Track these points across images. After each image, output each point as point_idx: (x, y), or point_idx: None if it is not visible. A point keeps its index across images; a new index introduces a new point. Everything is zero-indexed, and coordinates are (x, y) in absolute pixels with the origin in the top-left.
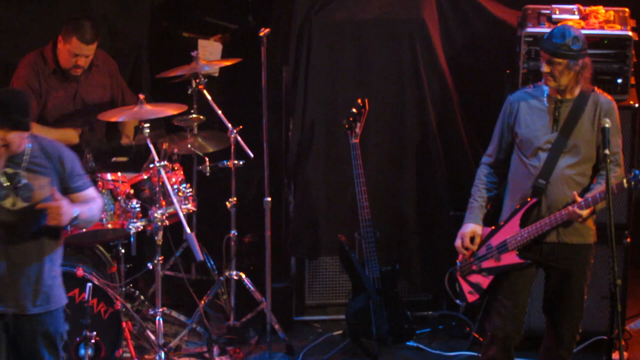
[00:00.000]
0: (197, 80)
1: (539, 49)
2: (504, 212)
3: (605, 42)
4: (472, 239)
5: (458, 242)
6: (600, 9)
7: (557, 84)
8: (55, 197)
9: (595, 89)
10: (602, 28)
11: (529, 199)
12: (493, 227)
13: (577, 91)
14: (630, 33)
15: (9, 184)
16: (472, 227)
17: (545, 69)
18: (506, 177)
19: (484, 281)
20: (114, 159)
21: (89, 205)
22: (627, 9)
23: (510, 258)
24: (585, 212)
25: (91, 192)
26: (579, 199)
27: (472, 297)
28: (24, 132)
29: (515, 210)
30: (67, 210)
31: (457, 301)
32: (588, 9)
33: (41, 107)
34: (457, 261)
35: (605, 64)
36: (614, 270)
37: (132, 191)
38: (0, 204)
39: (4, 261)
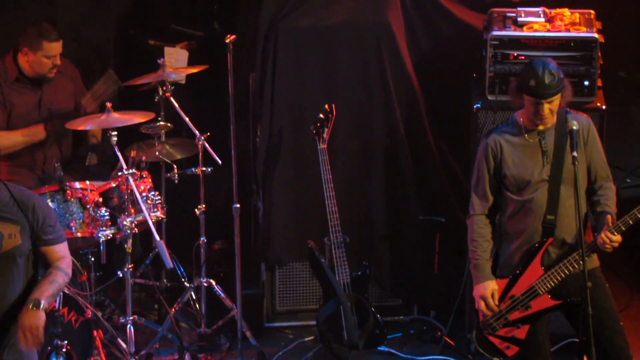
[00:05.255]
0: (164, 88)
1: (524, 95)
2: (507, 258)
3: (572, 44)
4: (491, 296)
5: (481, 305)
6: (566, 12)
7: (552, 118)
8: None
9: (568, 109)
10: (568, 30)
11: (545, 239)
12: (507, 279)
13: (555, 117)
14: (596, 35)
15: None
16: (489, 285)
17: (544, 112)
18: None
19: (519, 332)
20: (87, 162)
21: (53, 287)
22: (592, 11)
23: (543, 302)
24: (618, 237)
25: (61, 249)
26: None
27: (511, 352)
28: None
29: (531, 253)
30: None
31: (494, 359)
32: (553, 11)
33: (6, 117)
34: (480, 320)
35: (572, 66)
36: (584, 274)
37: (100, 199)
38: None
39: None
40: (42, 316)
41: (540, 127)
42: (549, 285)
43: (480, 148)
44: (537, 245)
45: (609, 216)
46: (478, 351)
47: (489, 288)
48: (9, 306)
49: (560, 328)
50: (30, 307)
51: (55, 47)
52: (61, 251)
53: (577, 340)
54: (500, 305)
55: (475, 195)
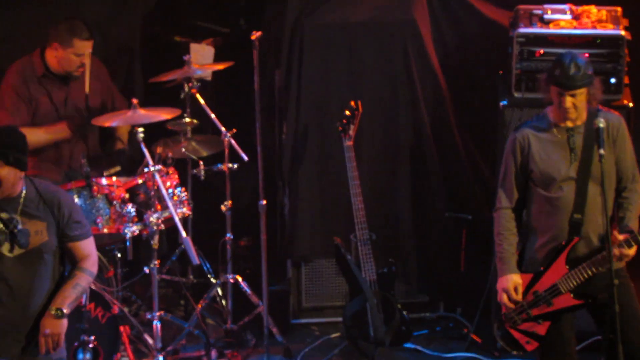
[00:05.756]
0: (190, 85)
1: (551, 85)
2: (532, 254)
3: (598, 41)
4: (515, 289)
5: (503, 297)
6: (593, 9)
7: (578, 115)
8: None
9: (600, 107)
10: (594, 27)
11: (572, 238)
12: (532, 275)
13: (585, 115)
14: (622, 32)
15: (5, 229)
16: (512, 279)
17: (567, 104)
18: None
19: (540, 328)
20: (105, 172)
21: (76, 291)
22: (619, 8)
23: (565, 301)
24: (631, 251)
25: (87, 245)
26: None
27: (531, 347)
28: (18, 170)
29: (557, 251)
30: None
31: (514, 352)
32: (580, 8)
33: (32, 114)
34: (502, 313)
35: (599, 63)
36: (611, 271)
37: (127, 195)
38: None
39: (3, 308)
40: (64, 324)
41: (570, 124)
42: (571, 284)
43: (509, 142)
44: (563, 243)
45: (615, 233)
46: (504, 349)
47: (512, 281)
48: (37, 302)
49: (586, 326)
50: (53, 314)
51: (85, 46)
52: (87, 248)
53: (601, 338)
54: (523, 299)
55: (502, 190)
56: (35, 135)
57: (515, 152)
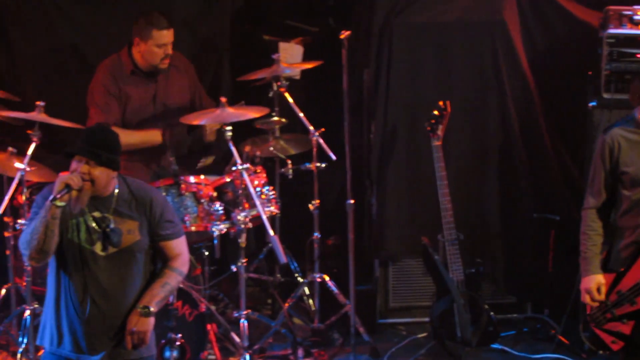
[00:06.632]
0: (279, 83)
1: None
2: (617, 254)
3: None
4: (598, 289)
5: (586, 298)
6: None
7: None
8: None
9: None
10: None
11: None
12: (615, 274)
13: None
14: None
15: (97, 228)
16: (596, 279)
17: None
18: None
19: (624, 328)
20: (200, 162)
21: (165, 290)
22: None
23: None
24: None
25: (178, 245)
26: None
27: (616, 346)
28: (110, 170)
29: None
30: (148, 335)
31: (600, 352)
32: None
33: (122, 111)
34: (587, 314)
35: None
36: None
37: (215, 194)
38: (90, 249)
39: (95, 306)
40: (150, 322)
41: None
42: None
43: (598, 144)
44: None
45: None
46: (592, 350)
47: (595, 281)
48: (129, 300)
49: None
50: (140, 312)
51: (165, 36)
52: (178, 247)
53: None
54: (607, 299)
55: (590, 190)
56: (129, 138)
57: (604, 154)
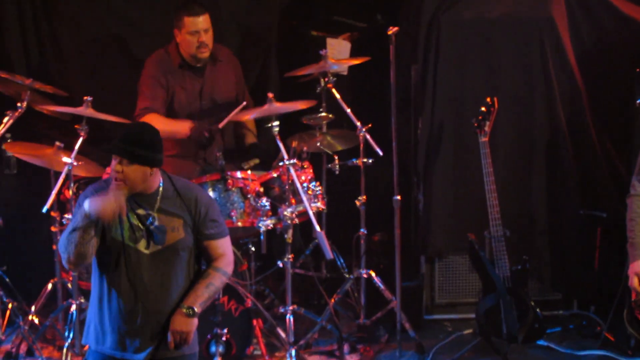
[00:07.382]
0: (326, 79)
1: None
2: None
3: None
4: None
5: (634, 282)
6: None
7: None
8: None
9: None
10: None
11: None
12: None
13: None
14: None
15: (141, 226)
16: None
17: None
18: None
19: None
20: (244, 165)
21: (209, 291)
22: None
23: None
24: None
25: (223, 244)
26: None
27: None
28: (146, 167)
29: None
30: (191, 335)
31: None
32: None
33: (168, 101)
34: (632, 300)
35: None
36: None
37: (261, 189)
38: (134, 247)
39: (138, 305)
40: (194, 322)
41: None
42: None
43: None
44: None
45: None
46: (638, 347)
47: None
48: (172, 299)
49: None
50: (184, 312)
51: (198, 22)
52: (222, 247)
53: None
54: None
55: (637, 177)
56: (179, 126)
57: None
